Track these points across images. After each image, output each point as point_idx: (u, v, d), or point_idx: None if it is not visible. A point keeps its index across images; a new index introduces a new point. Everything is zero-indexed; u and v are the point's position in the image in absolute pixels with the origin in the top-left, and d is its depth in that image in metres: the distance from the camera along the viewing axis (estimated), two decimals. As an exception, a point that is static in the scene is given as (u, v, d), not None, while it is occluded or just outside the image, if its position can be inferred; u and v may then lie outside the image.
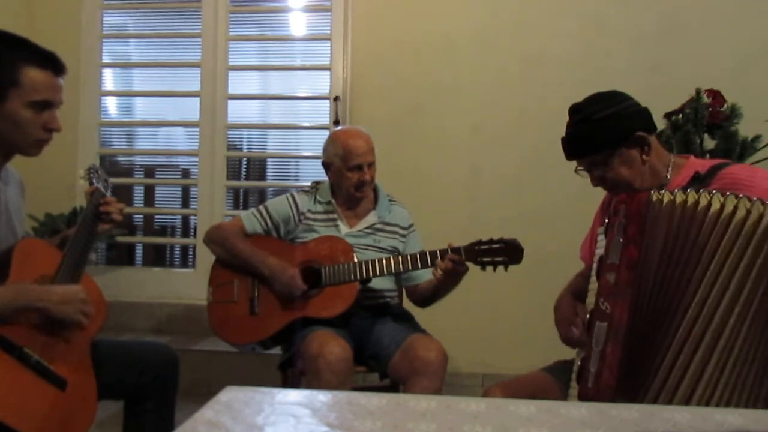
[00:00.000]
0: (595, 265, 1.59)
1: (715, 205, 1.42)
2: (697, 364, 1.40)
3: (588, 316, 1.55)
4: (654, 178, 1.71)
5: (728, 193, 1.43)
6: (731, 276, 1.40)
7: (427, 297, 2.35)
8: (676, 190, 1.49)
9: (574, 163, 1.77)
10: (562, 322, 1.73)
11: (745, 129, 2.88)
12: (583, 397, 1.49)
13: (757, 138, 2.88)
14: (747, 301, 1.39)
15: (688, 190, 1.48)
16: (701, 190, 1.46)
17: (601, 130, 1.66)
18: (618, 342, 1.46)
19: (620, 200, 1.55)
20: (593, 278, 1.59)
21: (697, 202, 1.44)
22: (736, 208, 1.40)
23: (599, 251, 1.59)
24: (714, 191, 1.45)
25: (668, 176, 1.71)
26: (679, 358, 1.42)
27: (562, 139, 1.74)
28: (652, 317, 1.46)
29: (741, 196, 1.41)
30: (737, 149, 2.83)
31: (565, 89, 3.27)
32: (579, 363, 1.54)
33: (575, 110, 1.73)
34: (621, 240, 1.50)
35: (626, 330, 1.46)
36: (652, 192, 1.50)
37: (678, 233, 1.45)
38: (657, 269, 1.47)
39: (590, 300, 1.58)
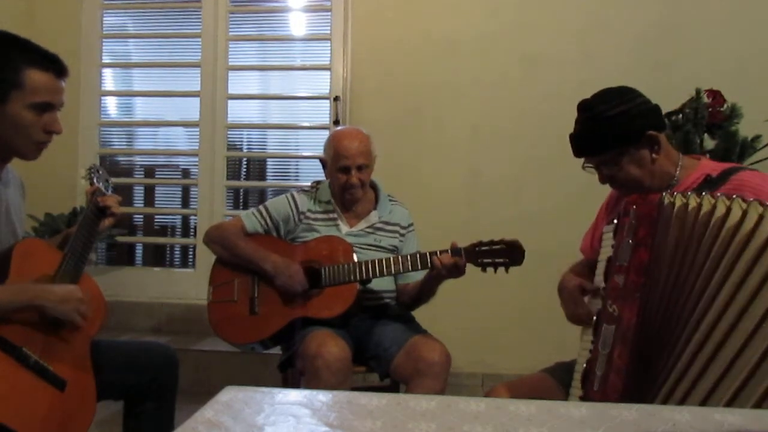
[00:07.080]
0: (603, 265, 1.56)
1: (735, 213, 1.38)
2: (708, 370, 1.37)
3: (594, 317, 1.52)
4: (663, 177, 1.68)
5: (735, 196, 1.40)
6: (740, 281, 1.36)
7: (414, 296, 2.34)
8: (688, 193, 1.46)
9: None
10: (568, 300, 1.67)
11: (745, 129, 2.88)
12: (588, 400, 1.46)
13: (757, 138, 2.88)
14: (757, 305, 1.35)
15: (703, 193, 1.45)
16: (717, 195, 1.43)
17: (612, 128, 1.63)
18: (626, 345, 1.43)
19: (631, 201, 1.52)
20: (598, 278, 1.56)
21: (713, 208, 1.40)
22: (745, 213, 1.37)
23: (604, 250, 1.57)
24: (733, 196, 1.41)
25: (677, 176, 1.69)
26: (694, 364, 1.38)
27: (571, 136, 1.71)
28: (661, 321, 1.43)
29: (751, 200, 1.39)
30: (737, 149, 2.83)
31: (566, 89, 3.28)
32: (585, 365, 1.50)
33: (585, 107, 1.68)
34: (631, 242, 1.48)
35: (635, 333, 1.43)
36: (664, 194, 1.48)
37: (689, 238, 1.42)
38: (667, 273, 1.44)
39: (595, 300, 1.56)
